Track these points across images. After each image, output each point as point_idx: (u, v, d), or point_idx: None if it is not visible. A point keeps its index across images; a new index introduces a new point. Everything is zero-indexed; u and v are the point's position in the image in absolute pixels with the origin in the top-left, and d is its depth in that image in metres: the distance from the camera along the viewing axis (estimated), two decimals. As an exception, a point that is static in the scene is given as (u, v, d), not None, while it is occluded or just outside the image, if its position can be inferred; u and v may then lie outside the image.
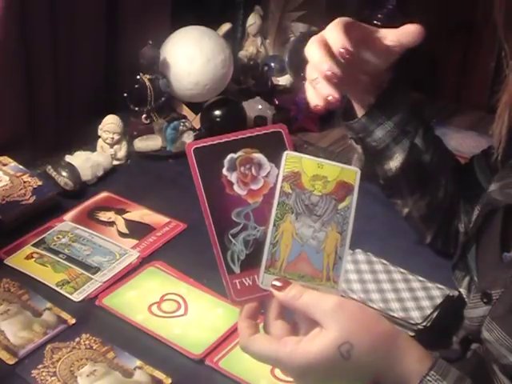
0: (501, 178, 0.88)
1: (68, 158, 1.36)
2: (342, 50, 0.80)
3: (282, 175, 0.68)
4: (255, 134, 0.70)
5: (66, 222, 1.24)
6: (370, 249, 1.15)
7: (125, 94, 1.49)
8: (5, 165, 1.33)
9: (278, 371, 0.95)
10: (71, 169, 1.32)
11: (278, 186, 0.67)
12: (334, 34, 0.81)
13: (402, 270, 1.11)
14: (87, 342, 0.99)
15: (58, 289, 1.08)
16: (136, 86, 1.49)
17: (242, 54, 1.80)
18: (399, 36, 0.87)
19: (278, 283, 0.66)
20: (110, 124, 1.41)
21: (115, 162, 1.42)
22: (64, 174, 1.31)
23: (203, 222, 0.68)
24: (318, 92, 0.82)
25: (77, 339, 0.99)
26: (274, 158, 0.69)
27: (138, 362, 0.96)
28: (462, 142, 1.53)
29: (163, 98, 1.51)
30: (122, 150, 1.43)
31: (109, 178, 1.39)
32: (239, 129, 0.70)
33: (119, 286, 1.10)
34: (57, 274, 1.11)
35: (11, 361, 0.96)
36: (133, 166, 1.45)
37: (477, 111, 1.67)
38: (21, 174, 1.30)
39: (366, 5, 1.72)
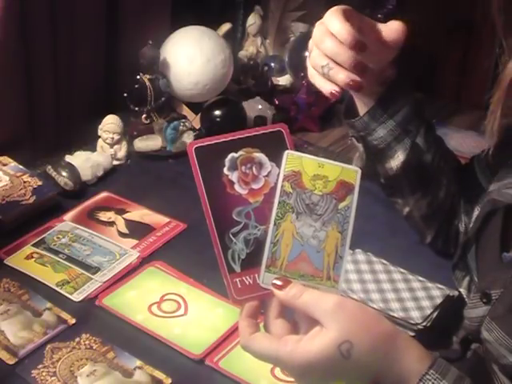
0: (500, 178, 0.88)
1: (68, 158, 1.36)
2: (350, 40, 0.80)
3: (282, 175, 0.68)
4: (256, 133, 0.70)
5: (66, 222, 1.24)
6: (370, 249, 1.15)
7: (125, 94, 1.49)
8: (5, 165, 1.33)
9: (278, 371, 0.95)
10: (71, 169, 1.32)
11: (279, 185, 0.68)
12: (337, 22, 0.82)
13: (402, 269, 1.11)
14: (87, 342, 0.99)
15: (57, 289, 1.08)
16: (136, 86, 1.50)
17: (242, 53, 1.80)
18: (388, 31, 0.88)
19: (278, 282, 0.66)
20: (109, 124, 1.41)
21: (115, 162, 1.42)
22: (64, 174, 1.31)
23: (203, 221, 0.68)
24: (332, 78, 0.82)
25: (77, 339, 0.99)
26: (275, 158, 0.69)
27: (138, 362, 0.96)
28: (462, 142, 1.53)
29: (163, 98, 1.52)
30: (122, 150, 1.43)
31: (109, 178, 1.39)
32: (239, 129, 0.70)
33: (119, 285, 1.10)
34: (57, 274, 1.11)
35: (11, 361, 0.96)
36: (133, 166, 1.45)
37: (477, 111, 1.66)
38: (21, 174, 1.30)
39: (366, 5, 1.72)
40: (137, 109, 1.50)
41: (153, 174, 1.42)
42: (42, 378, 0.93)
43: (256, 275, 0.67)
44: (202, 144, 0.69)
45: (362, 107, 0.96)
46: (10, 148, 1.36)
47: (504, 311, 0.77)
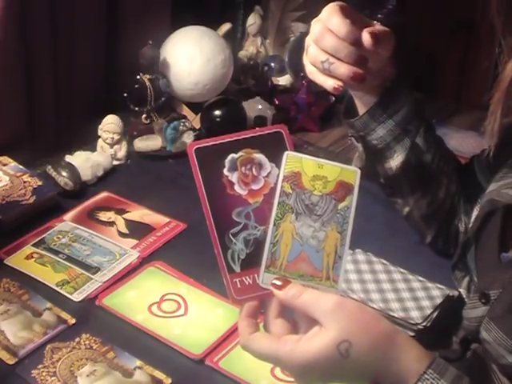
0: (500, 178, 0.88)
1: (68, 158, 1.36)
2: (351, 37, 0.81)
3: (282, 175, 0.68)
4: (256, 134, 0.70)
5: (66, 222, 1.24)
6: (370, 249, 1.15)
7: (125, 94, 1.49)
8: (5, 165, 1.33)
9: (278, 371, 0.95)
10: (71, 169, 1.32)
11: (279, 185, 0.68)
12: (336, 19, 0.82)
13: (402, 270, 1.11)
14: (87, 342, 0.99)
15: (58, 289, 1.08)
16: (136, 86, 1.50)
17: (242, 53, 1.80)
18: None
19: (277, 282, 0.66)
20: (109, 124, 1.41)
21: (115, 162, 1.42)
22: (64, 174, 1.31)
23: (203, 221, 0.68)
24: (333, 72, 0.82)
25: (77, 339, 0.99)
26: (275, 158, 0.69)
27: (138, 362, 0.96)
28: (462, 142, 1.53)
29: (163, 98, 1.52)
30: (122, 150, 1.43)
31: (109, 178, 1.39)
32: (239, 129, 0.70)
33: (119, 285, 1.10)
34: (57, 274, 1.11)
35: (11, 361, 0.96)
36: (133, 166, 1.45)
37: (477, 111, 1.66)
38: (21, 174, 1.30)
39: (366, 5, 1.72)
40: (137, 109, 1.50)
41: (153, 174, 1.42)
42: (42, 378, 0.93)
43: (256, 275, 0.67)
44: (202, 145, 0.69)
45: (361, 107, 0.96)
46: (10, 148, 1.36)
47: (503, 311, 0.77)
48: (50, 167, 1.32)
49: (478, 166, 1.02)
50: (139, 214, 1.28)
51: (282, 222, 0.67)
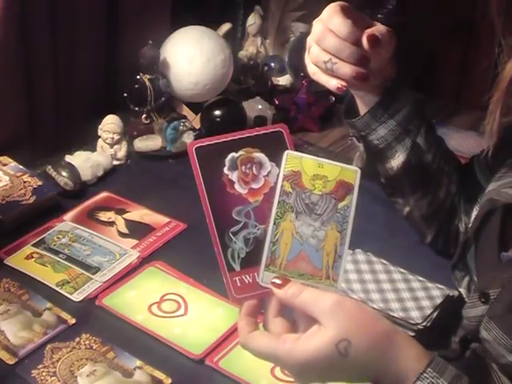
0: (499, 177, 0.88)
1: (68, 158, 1.36)
2: (350, 35, 0.81)
3: (282, 174, 0.68)
4: (256, 133, 0.70)
5: (66, 222, 1.24)
6: (369, 249, 1.15)
7: (125, 94, 1.49)
8: (5, 165, 1.33)
9: (278, 371, 0.95)
10: (71, 169, 1.32)
11: (279, 185, 0.68)
12: (337, 19, 0.82)
13: (402, 270, 1.11)
14: (87, 342, 0.99)
15: (58, 289, 1.08)
16: (136, 86, 1.50)
17: (242, 54, 1.80)
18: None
19: (277, 281, 0.66)
20: (109, 124, 1.41)
21: (115, 162, 1.42)
22: (64, 174, 1.31)
23: (203, 221, 0.68)
24: (336, 72, 0.82)
25: (77, 339, 0.99)
26: (275, 158, 0.69)
27: (138, 362, 0.96)
28: (462, 142, 1.53)
29: (163, 98, 1.52)
30: (122, 150, 1.43)
31: (109, 178, 1.39)
32: (239, 129, 0.70)
33: (119, 286, 1.10)
34: (57, 273, 1.11)
35: (11, 361, 0.96)
36: (133, 166, 1.45)
37: (477, 111, 1.66)
38: (21, 174, 1.30)
39: (366, 5, 1.72)
40: (137, 109, 1.50)
41: (153, 173, 1.42)
42: (42, 378, 0.93)
43: (255, 274, 0.67)
44: (202, 144, 0.69)
45: (362, 107, 0.96)
46: (10, 148, 1.36)
47: (502, 311, 0.77)
48: (50, 167, 1.32)
49: (478, 165, 1.02)
50: (139, 213, 1.28)
51: (282, 221, 0.67)
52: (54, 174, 1.31)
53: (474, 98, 1.78)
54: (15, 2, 1.29)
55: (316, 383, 0.68)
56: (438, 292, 1.06)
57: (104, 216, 1.27)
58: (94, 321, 1.04)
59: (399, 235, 1.20)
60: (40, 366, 0.95)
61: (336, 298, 0.65)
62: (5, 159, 1.34)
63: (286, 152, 0.69)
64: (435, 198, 1.03)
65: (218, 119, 1.51)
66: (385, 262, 1.13)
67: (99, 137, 1.42)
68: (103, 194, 1.33)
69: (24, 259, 1.14)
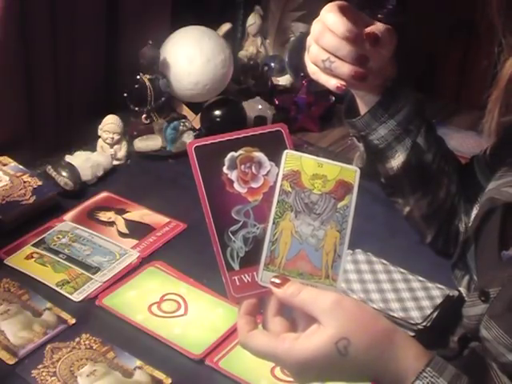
0: (499, 176, 0.88)
1: (68, 158, 1.36)
2: (348, 34, 0.81)
3: (281, 174, 0.68)
4: (256, 133, 0.70)
5: (66, 222, 1.24)
6: (369, 249, 1.15)
7: (125, 94, 1.49)
8: (5, 165, 1.33)
9: (278, 371, 0.95)
10: (71, 169, 1.32)
11: (278, 184, 0.68)
12: (334, 18, 0.82)
13: (402, 269, 1.11)
14: (87, 342, 0.99)
15: (58, 289, 1.08)
16: (136, 86, 1.50)
17: (242, 54, 1.80)
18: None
19: (276, 280, 0.66)
20: (109, 124, 1.41)
21: (115, 162, 1.42)
22: (64, 173, 1.31)
23: (203, 221, 0.68)
24: (334, 71, 0.82)
25: (77, 339, 0.99)
26: (274, 157, 0.69)
27: (138, 362, 0.96)
28: (462, 142, 1.53)
29: (163, 98, 1.52)
30: (122, 150, 1.43)
31: (109, 178, 1.39)
32: (239, 129, 0.70)
33: (119, 285, 1.10)
34: (57, 273, 1.11)
35: (11, 361, 0.96)
36: (133, 165, 1.45)
37: (477, 111, 1.66)
38: (21, 174, 1.30)
39: (365, 4, 1.72)
40: (137, 109, 1.50)
41: (153, 173, 1.42)
42: (42, 378, 0.93)
43: (255, 273, 0.67)
44: (202, 143, 0.69)
45: (362, 106, 0.96)
46: (9, 148, 1.36)
47: (502, 309, 0.77)
48: (50, 167, 1.32)
49: (478, 165, 1.02)
50: (139, 214, 1.28)
51: (282, 221, 0.67)
52: (54, 174, 1.31)
53: (473, 98, 1.77)
54: (15, 2, 1.29)
55: (315, 382, 0.68)
56: (437, 292, 1.06)
57: (104, 216, 1.27)
58: (94, 321, 1.04)
59: (399, 235, 1.20)
60: (40, 366, 0.95)
61: (335, 297, 0.65)
62: (5, 159, 1.34)
63: (286, 151, 0.69)
64: (435, 197, 1.03)
65: (217, 119, 1.51)
66: (385, 262, 1.13)
67: (99, 137, 1.42)
68: (103, 194, 1.33)
69: (24, 259, 1.14)
